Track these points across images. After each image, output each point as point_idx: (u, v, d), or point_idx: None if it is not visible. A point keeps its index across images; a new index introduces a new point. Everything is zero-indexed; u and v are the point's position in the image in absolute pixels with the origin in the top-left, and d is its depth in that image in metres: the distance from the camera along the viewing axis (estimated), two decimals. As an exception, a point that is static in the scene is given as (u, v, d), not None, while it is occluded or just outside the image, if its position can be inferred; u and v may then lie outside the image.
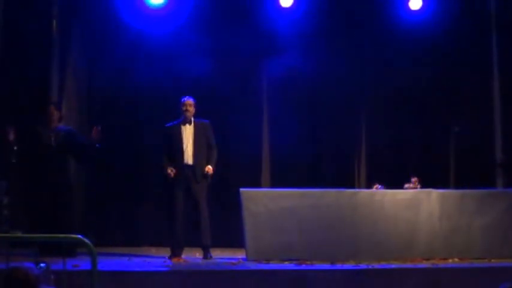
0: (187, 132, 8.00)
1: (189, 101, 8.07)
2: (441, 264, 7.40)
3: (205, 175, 7.91)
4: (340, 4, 10.08)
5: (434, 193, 8.15)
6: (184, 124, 8.03)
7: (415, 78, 10.23)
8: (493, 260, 7.74)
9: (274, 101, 10.21)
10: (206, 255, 7.92)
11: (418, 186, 9.30)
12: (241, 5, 9.96)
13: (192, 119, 8.07)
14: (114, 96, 9.70)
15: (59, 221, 7.58)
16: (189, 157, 7.93)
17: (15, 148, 7.84)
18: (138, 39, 9.72)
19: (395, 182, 8.84)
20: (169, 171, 7.84)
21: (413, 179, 9.48)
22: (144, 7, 9.74)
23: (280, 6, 10.01)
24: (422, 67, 10.21)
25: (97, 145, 7.88)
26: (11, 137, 7.77)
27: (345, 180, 9.78)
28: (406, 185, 9.44)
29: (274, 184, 9.85)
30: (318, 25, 10.08)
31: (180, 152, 7.93)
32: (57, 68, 9.45)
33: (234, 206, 8.08)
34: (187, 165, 7.91)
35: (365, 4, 10.09)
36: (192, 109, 8.04)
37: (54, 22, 9.43)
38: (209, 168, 7.90)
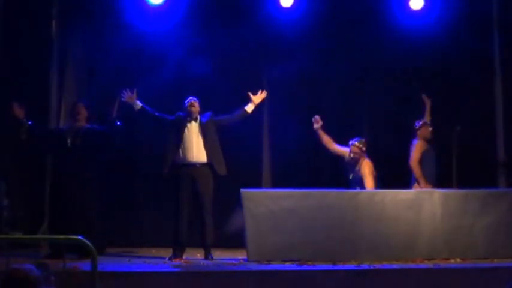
0: (193, 130, 7.95)
1: (195, 101, 8.08)
2: (443, 264, 7.38)
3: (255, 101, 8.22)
4: (340, 4, 10.04)
5: (437, 193, 8.13)
6: (190, 121, 7.99)
7: (416, 77, 10.19)
8: (495, 260, 7.71)
9: (275, 100, 10.17)
10: (208, 256, 7.89)
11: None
12: (241, 4, 9.92)
13: (198, 116, 8.04)
14: (113, 96, 9.65)
15: (68, 221, 7.52)
16: (195, 156, 7.88)
17: (28, 122, 7.76)
18: (137, 38, 9.67)
19: (397, 182, 8.79)
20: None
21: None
22: (144, 6, 9.70)
23: (281, 6, 9.97)
24: (423, 66, 10.17)
25: (117, 122, 7.82)
26: (18, 112, 7.71)
27: (346, 180, 9.73)
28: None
29: (275, 184, 9.82)
30: (318, 25, 10.05)
31: (184, 149, 7.89)
32: (56, 68, 9.41)
33: (235, 207, 8.06)
34: (193, 164, 7.86)
35: (365, 3, 10.05)
36: (197, 107, 8.03)
37: (54, 22, 9.40)
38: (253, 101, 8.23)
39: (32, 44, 9.23)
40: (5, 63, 9.11)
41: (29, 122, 7.78)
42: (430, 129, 8.99)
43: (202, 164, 7.89)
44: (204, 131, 7.95)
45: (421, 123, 9.03)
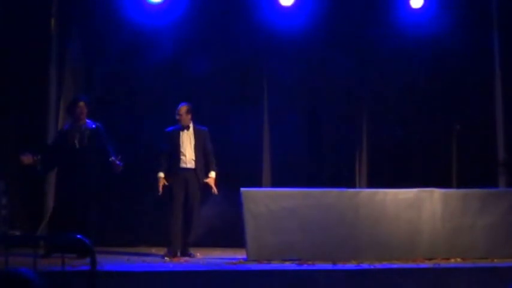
0: (186, 137, 8.19)
1: (181, 108, 8.24)
2: (443, 264, 7.36)
3: (205, 181, 8.13)
4: (340, 2, 10.01)
5: (437, 193, 8.10)
6: (182, 130, 8.22)
7: (416, 77, 10.17)
8: (495, 260, 7.69)
9: (275, 99, 10.15)
10: (188, 254, 8.01)
11: None
12: (241, 2, 9.89)
13: (191, 125, 8.24)
14: (113, 95, 9.64)
15: (77, 221, 7.51)
16: (187, 161, 8.14)
17: (38, 157, 7.76)
18: (137, 37, 9.65)
19: (397, 182, 8.78)
20: (160, 179, 8.09)
21: None
22: (143, 4, 9.67)
23: (281, 4, 9.93)
24: (424, 66, 10.14)
25: (118, 162, 7.82)
26: (27, 160, 7.70)
27: (346, 179, 9.73)
28: None
29: (275, 184, 9.79)
30: (318, 24, 10.02)
31: (178, 155, 8.12)
32: (55, 66, 9.38)
33: (235, 206, 8.04)
34: (186, 169, 8.11)
35: (366, 2, 10.02)
36: (184, 116, 8.21)
37: (53, 20, 9.37)
38: (211, 178, 8.13)
39: (31, 42, 9.20)
40: (4, 62, 9.08)
41: (39, 156, 7.81)
42: None
43: (193, 169, 8.15)
44: (195, 139, 8.20)
45: None
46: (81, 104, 8.02)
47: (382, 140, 10.18)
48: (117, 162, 7.81)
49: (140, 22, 9.61)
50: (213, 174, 8.18)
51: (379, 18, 10.01)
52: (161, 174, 8.14)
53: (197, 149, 8.17)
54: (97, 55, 9.65)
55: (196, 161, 8.15)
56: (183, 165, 8.13)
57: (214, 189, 8.16)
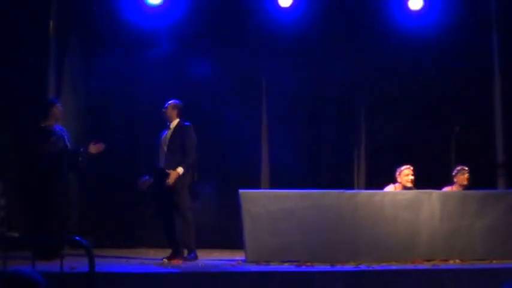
0: (164, 137, 7.98)
1: (169, 103, 8.05)
2: (442, 265, 7.36)
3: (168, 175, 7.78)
4: (339, 4, 10.02)
5: (435, 194, 8.12)
6: (166, 129, 8.04)
7: (415, 78, 10.18)
8: (494, 261, 7.70)
9: (274, 101, 10.16)
10: (192, 255, 7.91)
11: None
12: (240, 4, 9.90)
13: (175, 122, 8.02)
14: (112, 97, 9.65)
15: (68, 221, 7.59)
16: (160, 159, 7.95)
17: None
18: (136, 39, 9.67)
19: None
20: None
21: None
22: (143, 7, 9.68)
23: (279, 6, 9.95)
24: (423, 67, 10.16)
25: (81, 149, 7.79)
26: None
27: (344, 181, 9.74)
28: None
29: (273, 185, 9.80)
30: (317, 25, 10.04)
31: (158, 156, 7.96)
32: (54, 68, 9.39)
33: (234, 207, 8.04)
34: (159, 169, 7.92)
35: (364, 4, 10.04)
36: (170, 110, 8.00)
37: (51, 22, 9.37)
38: (171, 172, 7.74)
39: (31, 42, 9.21)
40: (4, 62, 9.09)
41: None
42: (467, 175, 8.88)
43: (166, 168, 7.86)
44: (171, 135, 7.96)
45: (458, 168, 8.95)
46: (59, 105, 8.01)
47: (381, 141, 10.19)
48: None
49: (140, 23, 9.63)
50: (179, 169, 7.73)
51: (378, 20, 10.02)
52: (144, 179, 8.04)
53: (170, 145, 7.89)
54: (97, 55, 9.65)
55: (165, 159, 7.87)
56: (159, 165, 7.92)
57: (167, 181, 7.70)
